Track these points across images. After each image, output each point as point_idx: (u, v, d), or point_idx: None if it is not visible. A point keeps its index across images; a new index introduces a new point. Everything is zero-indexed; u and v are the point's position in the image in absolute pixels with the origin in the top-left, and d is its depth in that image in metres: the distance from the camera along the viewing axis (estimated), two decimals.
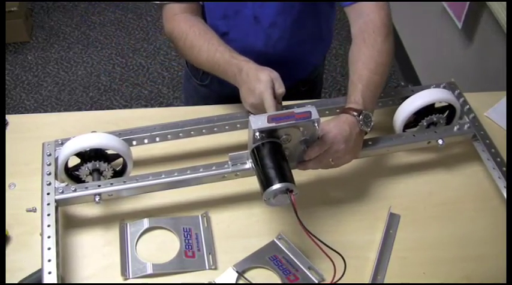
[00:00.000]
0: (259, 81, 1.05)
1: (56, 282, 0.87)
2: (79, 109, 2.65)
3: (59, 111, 2.62)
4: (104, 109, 2.62)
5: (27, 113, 2.57)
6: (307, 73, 1.47)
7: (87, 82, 2.79)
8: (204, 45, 1.16)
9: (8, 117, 1.23)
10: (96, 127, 1.11)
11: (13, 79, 2.79)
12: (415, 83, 2.62)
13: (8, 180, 1.10)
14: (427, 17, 2.51)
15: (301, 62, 1.40)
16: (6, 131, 1.20)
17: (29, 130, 1.22)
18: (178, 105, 2.62)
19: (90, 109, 2.65)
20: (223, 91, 1.25)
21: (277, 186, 0.89)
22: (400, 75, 2.84)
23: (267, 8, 1.22)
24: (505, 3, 1.77)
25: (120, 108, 2.65)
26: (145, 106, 2.67)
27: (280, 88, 1.06)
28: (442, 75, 2.39)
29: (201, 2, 1.25)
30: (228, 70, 1.12)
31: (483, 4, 1.96)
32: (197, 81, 1.49)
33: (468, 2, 2.01)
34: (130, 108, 2.65)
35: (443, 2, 2.23)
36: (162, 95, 2.73)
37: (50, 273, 0.88)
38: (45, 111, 2.62)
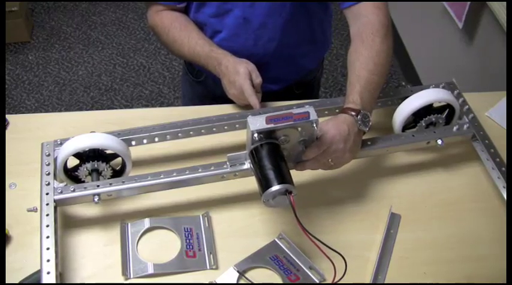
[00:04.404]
0: (238, 74, 1.16)
1: (54, 282, 0.87)
2: (80, 109, 2.65)
3: (60, 111, 2.63)
4: (104, 109, 2.62)
5: (28, 113, 2.57)
6: (300, 76, 1.47)
7: (88, 82, 2.79)
8: (185, 39, 1.25)
9: (9, 117, 1.23)
10: (97, 127, 1.11)
11: (14, 79, 2.79)
12: (416, 83, 2.62)
13: (9, 180, 1.11)
14: (427, 17, 2.51)
15: (293, 65, 1.40)
16: (7, 131, 1.20)
17: (30, 130, 1.22)
18: (179, 105, 2.62)
19: (91, 109, 2.65)
20: (218, 90, 1.26)
21: (276, 187, 0.89)
22: (401, 75, 2.84)
23: (256, 9, 1.23)
24: (505, 3, 1.77)
25: (121, 108, 2.65)
26: (146, 106, 2.68)
27: (257, 79, 1.18)
28: (442, 75, 2.39)
29: (184, 3, 1.29)
30: (209, 63, 1.23)
31: (483, 4, 1.96)
32: (193, 77, 1.50)
33: (469, 2, 2.01)
34: (131, 108, 2.65)
35: (444, 2, 2.23)
36: (163, 95, 2.73)
37: (48, 273, 0.88)
38: (46, 111, 2.63)
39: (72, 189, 0.98)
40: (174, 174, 1.00)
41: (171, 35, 1.27)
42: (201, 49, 1.24)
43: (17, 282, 0.95)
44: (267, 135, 0.93)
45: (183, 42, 1.26)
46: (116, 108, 2.65)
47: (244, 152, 0.98)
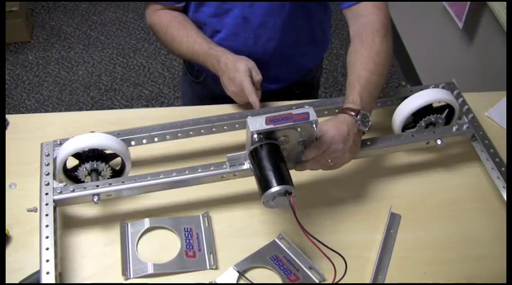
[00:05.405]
0: (238, 71, 1.16)
1: (53, 282, 0.87)
2: (80, 109, 2.65)
3: (60, 110, 2.63)
4: (104, 109, 2.63)
5: (28, 113, 2.57)
6: (300, 76, 1.47)
7: (88, 82, 2.79)
8: (184, 38, 1.25)
9: (9, 117, 1.23)
10: (97, 127, 1.11)
11: (14, 79, 2.79)
12: (416, 83, 2.62)
13: (9, 180, 1.11)
14: (427, 17, 2.51)
15: (292, 64, 1.40)
16: (7, 131, 1.20)
17: (30, 130, 1.22)
18: (179, 105, 2.62)
19: (91, 109, 2.65)
20: (218, 90, 1.26)
21: (276, 189, 0.89)
22: (401, 75, 2.84)
23: (256, 9, 1.23)
24: (505, 3, 1.77)
25: (121, 108, 2.65)
26: (146, 106, 2.68)
27: (258, 76, 1.17)
28: (442, 75, 2.39)
29: (183, 3, 1.29)
30: (208, 61, 1.22)
31: (483, 4, 1.96)
32: (192, 77, 1.50)
33: (469, 2, 2.01)
34: (131, 108, 2.65)
35: (444, 2, 2.23)
36: (163, 95, 2.73)
37: (48, 273, 0.88)
38: (46, 111, 2.63)
39: (71, 189, 0.98)
40: (174, 174, 1.00)
41: (169, 33, 1.27)
42: (199, 47, 1.24)
43: (17, 282, 0.95)
44: (267, 135, 0.93)
45: (181, 41, 1.26)
46: (116, 108, 2.65)
47: (244, 152, 0.98)
